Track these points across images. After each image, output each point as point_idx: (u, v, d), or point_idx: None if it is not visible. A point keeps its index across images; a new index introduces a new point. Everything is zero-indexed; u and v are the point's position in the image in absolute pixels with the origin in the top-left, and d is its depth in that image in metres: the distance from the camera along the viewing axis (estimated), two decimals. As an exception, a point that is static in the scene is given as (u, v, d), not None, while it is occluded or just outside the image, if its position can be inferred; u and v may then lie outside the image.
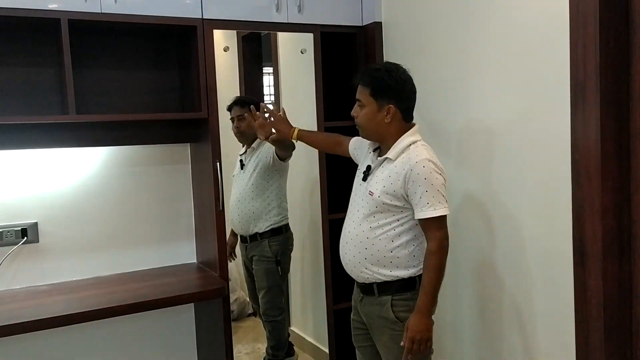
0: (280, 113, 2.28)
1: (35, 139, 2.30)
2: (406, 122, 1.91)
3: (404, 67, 1.92)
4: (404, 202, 1.84)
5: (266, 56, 3.26)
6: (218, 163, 2.35)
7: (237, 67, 3.12)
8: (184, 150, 2.65)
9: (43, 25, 2.18)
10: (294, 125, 2.25)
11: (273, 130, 2.28)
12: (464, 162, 2.22)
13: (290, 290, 3.24)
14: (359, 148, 2.11)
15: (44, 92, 2.31)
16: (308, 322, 3.05)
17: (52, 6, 2.08)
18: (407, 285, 1.88)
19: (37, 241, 2.37)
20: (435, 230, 1.81)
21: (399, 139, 1.89)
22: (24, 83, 2.28)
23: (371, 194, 1.89)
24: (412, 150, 1.86)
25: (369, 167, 1.96)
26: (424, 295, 1.81)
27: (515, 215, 2.02)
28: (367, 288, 1.93)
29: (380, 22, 2.62)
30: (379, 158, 1.93)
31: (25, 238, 2.33)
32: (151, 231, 2.60)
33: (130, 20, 2.20)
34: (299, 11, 2.51)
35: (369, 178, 1.94)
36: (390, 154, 1.88)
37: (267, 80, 3.35)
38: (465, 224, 2.24)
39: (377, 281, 1.90)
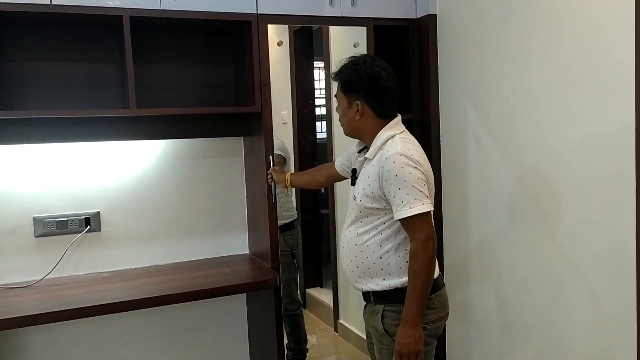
0: (275, 167, 2.36)
1: (97, 131, 2.40)
2: (381, 118, 1.80)
3: (381, 60, 1.82)
4: (384, 203, 1.72)
5: (317, 50, 3.29)
6: (271, 156, 2.38)
7: (288, 61, 3.17)
8: (238, 144, 2.70)
9: (106, 22, 2.26)
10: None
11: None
12: (524, 160, 2.13)
13: (338, 284, 3.27)
14: (347, 161, 2.06)
15: (105, 87, 2.41)
16: (354, 315, 3.06)
17: (115, 4, 2.15)
18: (401, 296, 1.71)
19: (99, 230, 2.48)
20: (415, 230, 1.66)
21: (377, 136, 1.79)
22: (87, 78, 2.38)
23: (355, 198, 1.81)
24: (386, 146, 1.75)
25: (354, 171, 1.91)
26: (408, 304, 1.65)
27: (578, 213, 1.94)
28: (366, 296, 1.85)
29: (435, 15, 2.58)
30: (359, 160, 1.88)
31: (89, 227, 2.44)
32: (206, 222, 2.67)
33: (188, 16, 2.26)
34: (352, 4, 2.50)
35: (356, 182, 1.86)
36: (369, 153, 1.80)
37: (318, 75, 3.38)
38: (524, 220, 2.18)
39: (373, 290, 1.80)
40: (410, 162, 1.68)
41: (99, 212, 2.47)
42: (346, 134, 1.91)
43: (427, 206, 1.67)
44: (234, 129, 2.64)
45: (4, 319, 1.89)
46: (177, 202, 2.61)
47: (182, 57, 2.55)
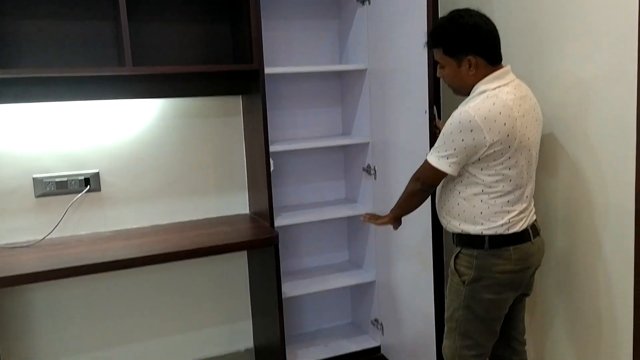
0: (370, 214, 2.22)
1: (94, 90, 2.37)
2: (493, 65, 1.79)
3: (472, 9, 1.79)
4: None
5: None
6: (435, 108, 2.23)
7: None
8: (237, 102, 2.67)
9: (99, -22, 2.21)
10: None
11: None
12: (556, 118, 2.02)
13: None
14: None
15: (101, 45, 2.37)
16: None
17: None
18: (475, 242, 1.84)
19: (99, 190, 2.48)
20: (423, 170, 1.87)
21: (472, 90, 1.80)
22: (82, 36, 2.35)
23: None
24: (471, 100, 1.76)
25: None
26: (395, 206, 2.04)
27: (614, 175, 1.86)
28: (451, 237, 1.97)
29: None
30: None
31: (88, 187, 2.45)
32: (206, 182, 2.67)
33: (183, -29, 2.21)
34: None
35: None
36: (462, 104, 1.81)
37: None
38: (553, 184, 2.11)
39: (453, 232, 1.92)
40: (468, 124, 1.69)
41: (98, 172, 2.47)
42: (458, 94, 1.89)
43: (442, 165, 1.78)
44: (232, 87, 2.61)
45: (7, 276, 1.92)
46: (176, 162, 2.61)
47: (179, 15, 2.50)
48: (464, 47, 1.77)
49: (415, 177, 1.92)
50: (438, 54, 1.84)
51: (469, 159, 1.76)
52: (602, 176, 1.87)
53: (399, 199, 2.02)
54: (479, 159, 1.75)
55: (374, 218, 2.15)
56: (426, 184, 1.90)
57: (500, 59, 1.82)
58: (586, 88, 1.89)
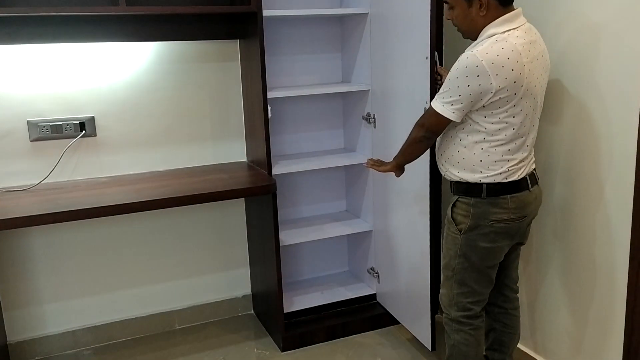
0: (374, 160, 2.16)
1: (87, 32, 2.31)
2: (504, 6, 1.72)
3: None
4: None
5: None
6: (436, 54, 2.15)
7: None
8: (234, 47, 2.61)
9: None
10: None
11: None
12: (562, 64, 1.97)
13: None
14: None
15: (93, -15, 2.29)
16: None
17: None
18: (472, 190, 1.83)
19: (95, 135, 2.45)
20: (427, 116, 1.84)
21: (481, 33, 1.75)
22: (73, -25, 2.26)
23: None
24: (479, 44, 1.71)
25: None
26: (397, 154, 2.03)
27: (620, 123, 1.81)
28: (449, 184, 1.95)
29: None
30: None
31: (84, 131, 2.41)
32: (203, 129, 2.64)
33: None
34: None
35: None
36: (469, 47, 1.77)
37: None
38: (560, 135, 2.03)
39: (451, 179, 1.90)
40: (475, 69, 1.65)
41: (93, 117, 2.43)
42: (466, 37, 1.84)
43: (446, 111, 1.75)
44: (230, 31, 2.55)
45: (3, 219, 1.90)
46: (172, 108, 2.57)
47: (174, -47, 2.41)
48: None
49: (420, 124, 1.89)
50: None
51: (473, 106, 1.73)
52: (609, 124, 1.85)
53: (402, 146, 1.99)
54: (484, 106, 1.72)
55: (377, 164, 2.12)
56: (430, 131, 1.86)
57: (512, 1, 1.75)
58: (597, 31, 1.83)
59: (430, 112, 1.82)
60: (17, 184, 2.35)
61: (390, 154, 2.33)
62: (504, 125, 1.75)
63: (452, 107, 1.74)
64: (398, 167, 2.06)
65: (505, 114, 1.73)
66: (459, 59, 1.72)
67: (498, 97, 1.69)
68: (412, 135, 1.93)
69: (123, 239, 2.60)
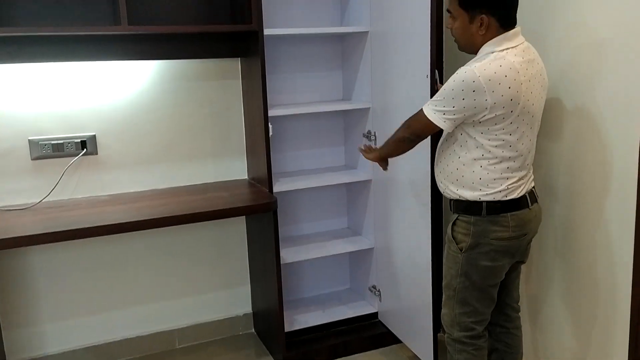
0: (366, 146, 2.21)
1: (89, 51, 2.32)
2: (505, 28, 1.73)
3: None
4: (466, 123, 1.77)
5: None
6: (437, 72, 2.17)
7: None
8: (235, 65, 2.62)
9: None
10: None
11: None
12: (563, 81, 1.97)
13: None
14: None
15: (96, 3, 2.31)
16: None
17: None
18: (472, 209, 1.82)
19: (96, 153, 2.45)
20: (416, 119, 1.83)
21: (479, 50, 1.76)
22: (76, -6, 2.28)
23: None
24: (477, 60, 1.72)
25: None
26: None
27: (620, 141, 1.81)
28: (448, 202, 1.95)
29: None
30: None
31: (85, 150, 2.41)
32: (204, 146, 2.64)
33: None
34: None
35: None
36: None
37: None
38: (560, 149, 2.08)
39: (451, 198, 1.90)
40: (472, 83, 1.65)
41: (94, 135, 2.44)
42: (460, 48, 1.85)
43: (437, 119, 1.75)
44: (231, 49, 2.56)
45: (4, 238, 1.90)
46: (173, 126, 2.57)
47: (176, -28, 2.43)
48: (481, 4, 1.72)
49: (407, 125, 1.89)
50: (453, 4, 1.78)
51: (466, 119, 1.73)
52: (609, 142, 1.85)
53: (388, 139, 2.00)
54: (480, 122, 1.72)
55: (366, 151, 2.15)
56: (415, 134, 1.88)
57: (514, 24, 1.76)
58: (600, 47, 1.83)
59: (420, 117, 1.81)
60: (18, 202, 2.35)
61: (391, 172, 2.33)
62: (501, 142, 1.75)
63: (444, 116, 1.74)
64: (381, 158, 2.08)
65: (502, 131, 1.73)
66: (457, 71, 1.72)
67: (494, 114, 1.69)
68: (398, 134, 1.93)
69: (123, 257, 2.60)
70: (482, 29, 1.73)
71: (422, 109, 1.81)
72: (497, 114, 1.69)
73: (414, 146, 1.94)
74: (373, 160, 2.11)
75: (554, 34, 1.99)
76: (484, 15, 1.71)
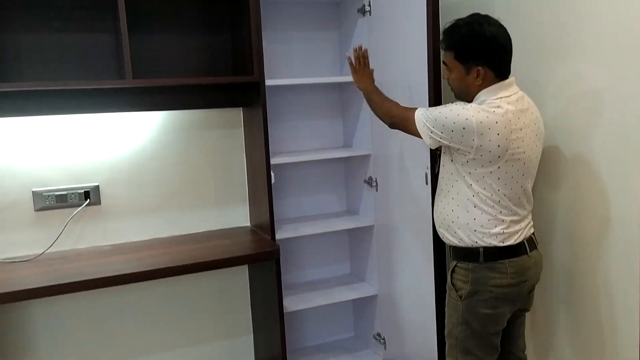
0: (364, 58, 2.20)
1: (94, 103, 2.36)
2: (500, 78, 1.78)
3: (492, 17, 1.77)
4: (457, 160, 1.79)
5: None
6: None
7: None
8: (237, 115, 2.66)
9: (99, -9, 2.21)
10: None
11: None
12: (560, 129, 1.99)
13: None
14: None
15: (101, 57, 2.37)
16: None
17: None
18: (471, 255, 1.82)
19: (99, 203, 2.47)
20: (405, 116, 1.90)
21: (475, 98, 1.79)
22: (82, 48, 2.34)
23: None
24: (474, 102, 1.77)
25: None
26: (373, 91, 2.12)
27: (618, 188, 1.82)
28: (448, 248, 1.95)
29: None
30: None
31: (88, 200, 2.43)
32: (206, 194, 2.65)
33: (183, -16, 2.20)
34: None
35: None
36: None
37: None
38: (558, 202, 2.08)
39: (448, 244, 1.90)
40: (464, 121, 1.70)
41: (98, 186, 2.46)
42: (459, 98, 1.88)
43: (422, 128, 1.82)
44: (233, 99, 2.61)
45: (6, 292, 1.89)
46: (176, 175, 2.60)
47: (179, 26, 2.50)
48: (476, 56, 1.76)
49: (396, 115, 1.97)
50: (448, 57, 1.82)
51: (450, 147, 1.78)
52: (605, 189, 1.85)
53: (383, 99, 2.07)
54: (467, 162, 1.75)
55: (356, 70, 2.19)
56: (395, 125, 1.97)
57: (509, 73, 1.80)
58: (595, 98, 1.86)
59: (410, 121, 1.87)
60: (20, 254, 2.35)
61: (393, 218, 2.34)
62: (488, 185, 1.76)
63: (431, 134, 1.80)
64: (364, 93, 2.16)
65: (489, 175, 1.75)
66: (457, 102, 1.77)
67: (479, 155, 1.72)
68: (390, 109, 2.00)
69: (124, 308, 2.57)
70: (478, 80, 1.77)
71: (415, 114, 1.86)
72: (483, 156, 1.72)
73: (389, 127, 2.02)
74: (358, 87, 2.19)
75: (551, 84, 2.02)
76: (479, 67, 1.75)
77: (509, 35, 1.78)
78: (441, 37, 1.84)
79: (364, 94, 2.17)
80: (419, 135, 1.85)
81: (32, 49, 2.27)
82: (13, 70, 2.24)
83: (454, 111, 1.74)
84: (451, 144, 1.76)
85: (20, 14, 2.24)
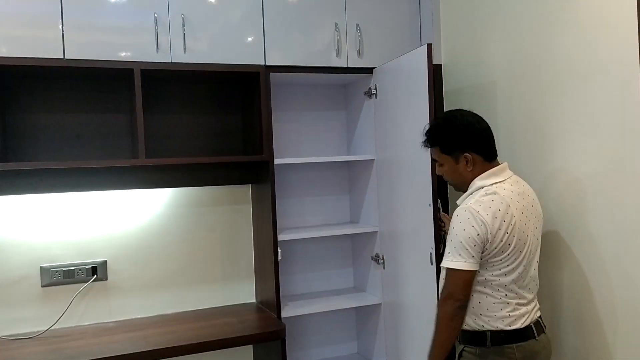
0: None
1: (106, 181, 2.42)
2: (489, 161, 1.83)
3: (464, 109, 1.88)
4: None
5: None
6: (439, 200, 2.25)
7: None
8: (246, 191, 2.71)
9: (118, 74, 2.32)
10: None
11: None
12: (553, 218, 2.05)
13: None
14: None
15: (116, 137, 2.45)
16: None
17: (126, 56, 2.21)
18: (477, 339, 1.79)
19: (106, 279, 2.47)
20: (446, 282, 1.75)
21: (470, 185, 1.83)
22: (97, 128, 2.43)
23: None
24: (470, 197, 1.80)
25: None
26: (430, 347, 1.76)
27: (619, 269, 1.84)
28: None
29: (440, 65, 2.64)
30: None
31: (95, 276, 2.43)
32: (213, 270, 2.65)
33: (198, 68, 2.31)
34: (359, 55, 2.55)
35: None
36: (459, 200, 1.86)
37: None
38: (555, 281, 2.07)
39: None
40: (471, 220, 1.71)
41: (105, 261, 2.47)
42: (457, 189, 1.93)
43: (459, 264, 1.71)
44: (242, 177, 2.66)
45: (6, 373, 1.87)
46: (184, 250, 2.61)
47: (191, 107, 2.59)
48: (460, 145, 1.83)
49: (445, 297, 1.74)
50: (435, 153, 1.90)
51: (481, 252, 1.73)
52: (606, 271, 1.86)
53: (432, 342, 1.76)
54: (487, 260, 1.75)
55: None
56: (457, 295, 1.72)
57: (496, 155, 1.86)
58: (585, 183, 1.93)
59: (452, 274, 1.74)
60: (25, 330, 2.32)
61: (400, 296, 2.31)
62: (498, 271, 1.76)
63: (462, 257, 1.73)
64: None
65: (497, 261, 1.75)
66: (454, 213, 1.78)
67: (494, 247, 1.72)
68: (441, 316, 1.75)
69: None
70: (469, 166, 1.82)
71: (449, 269, 1.74)
72: (496, 246, 1.72)
73: (464, 314, 1.76)
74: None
75: (543, 172, 2.10)
76: (467, 153, 1.82)
77: (484, 121, 1.86)
78: (423, 138, 1.92)
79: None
80: (466, 274, 1.72)
81: (50, 128, 2.36)
82: (30, 148, 2.32)
83: (456, 219, 1.75)
84: (480, 247, 1.72)
85: (40, 94, 2.34)
